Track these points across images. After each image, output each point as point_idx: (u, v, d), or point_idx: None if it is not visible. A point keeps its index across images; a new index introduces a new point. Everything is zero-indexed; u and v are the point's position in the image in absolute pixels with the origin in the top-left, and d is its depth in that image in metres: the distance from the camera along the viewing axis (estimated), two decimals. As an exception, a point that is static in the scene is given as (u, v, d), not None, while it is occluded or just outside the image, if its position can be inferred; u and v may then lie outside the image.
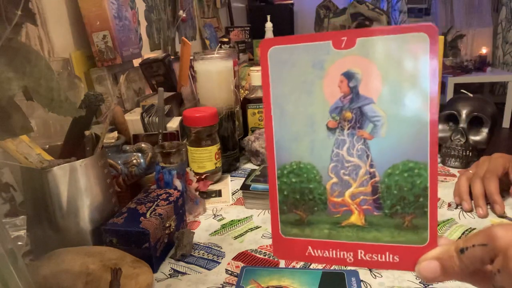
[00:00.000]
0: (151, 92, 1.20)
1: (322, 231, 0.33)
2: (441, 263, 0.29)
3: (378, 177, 0.31)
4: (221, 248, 0.61)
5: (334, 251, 0.33)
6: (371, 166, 0.31)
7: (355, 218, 0.32)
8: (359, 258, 0.32)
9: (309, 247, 0.33)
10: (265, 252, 0.59)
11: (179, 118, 0.95)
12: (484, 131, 0.84)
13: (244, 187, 0.73)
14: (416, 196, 0.31)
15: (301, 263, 0.55)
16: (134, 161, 0.72)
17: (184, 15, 1.79)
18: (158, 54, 1.43)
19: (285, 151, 0.33)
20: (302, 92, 0.32)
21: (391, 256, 0.32)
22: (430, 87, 0.29)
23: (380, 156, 0.31)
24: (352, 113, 0.31)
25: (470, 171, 0.72)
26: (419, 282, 0.50)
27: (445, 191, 0.74)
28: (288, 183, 0.33)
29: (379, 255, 0.32)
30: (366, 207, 0.32)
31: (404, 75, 0.30)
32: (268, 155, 0.33)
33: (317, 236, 0.33)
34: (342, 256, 0.33)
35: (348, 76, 0.31)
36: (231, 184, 0.84)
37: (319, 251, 0.33)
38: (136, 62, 1.21)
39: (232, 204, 0.75)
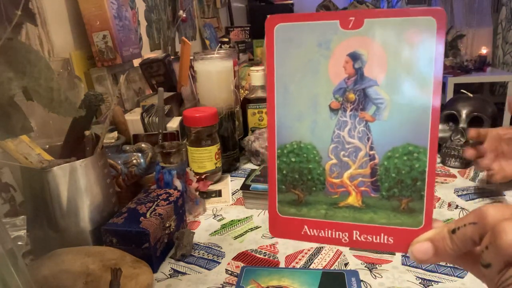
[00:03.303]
0: (151, 92, 1.20)
1: (319, 211, 0.33)
2: (434, 244, 0.29)
3: (377, 159, 0.31)
4: (221, 248, 0.61)
5: (329, 231, 0.33)
6: (371, 148, 0.31)
7: (353, 199, 0.32)
8: (354, 238, 0.32)
9: (305, 227, 0.33)
10: (265, 252, 0.59)
11: (179, 118, 0.95)
12: (484, 131, 0.84)
13: (244, 187, 0.73)
14: (413, 180, 0.31)
15: (302, 263, 0.55)
16: (134, 161, 0.72)
17: (184, 15, 1.79)
18: (158, 54, 1.43)
19: (286, 131, 0.33)
20: (307, 71, 0.32)
21: (385, 237, 0.32)
22: (435, 72, 0.29)
23: (381, 139, 0.31)
24: (355, 95, 0.31)
25: None
26: (419, 283, 0.50)
27: (445, 191, 0.74)
28: (287, 163, 0.33)
29: (374, 237, 0.32)
30: (364, 189, 0.32)
31: (409, 59, 0.30)
32: (269, 134, 0.33)
33: (314, 216, 0.33)
34: (337, 236, 0.33)
35: (354, 57, 0.31)
36: (231, 184, 0.84)
37: (315, 230, 0.33)
38: (136, 62, 1.21)
39: (232, 204, 0.75)
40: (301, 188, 0.33)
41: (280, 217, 0.34)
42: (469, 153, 0.70)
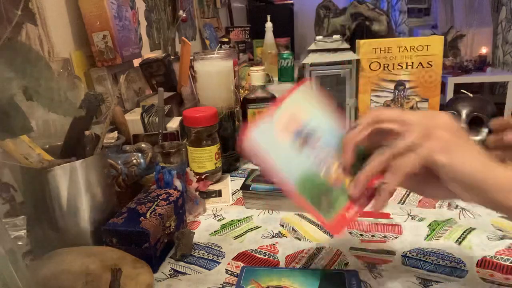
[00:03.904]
0: (151, 92, 1.20)
1: (343, 201, 0.45)
2: None
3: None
4: (221, 248, 0.61)
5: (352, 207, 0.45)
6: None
7: (347, 181, 0.45)
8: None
9: (346, 213, 0.44)
10: (265, 252, 0.59)
11: (179, 118, 0.95)
12: (484, 131, 0.84)
13: (244, 187, 0.73)
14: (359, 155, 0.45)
15: (302, 263, 0.56)
16: (134, 161, 0.72)
17: (184, 15, 1.79)
18: (158, 54, 1.43)
19: (293, 178, 0.46)
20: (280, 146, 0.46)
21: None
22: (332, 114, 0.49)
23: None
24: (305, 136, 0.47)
25: None
26: (419, 283, 0.50)
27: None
28: (307, 191, 0.45)
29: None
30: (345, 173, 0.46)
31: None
32: (284, 188, 0.45)
33: (342, 205, 0.45)
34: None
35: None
36: (231, 184, 0.84)
37: (350, 210, 0.45)
38: (136, 62, 1.21)
39: (232, 204, 0.75)
40: (325, 197, 0.45)
41: (331, 222, 0.44)
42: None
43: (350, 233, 0.62)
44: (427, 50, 0.89)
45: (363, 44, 0.90)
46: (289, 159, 0.46)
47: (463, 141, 0.40)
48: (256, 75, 0.97)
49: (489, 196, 0.38)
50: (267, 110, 0.47)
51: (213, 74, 0.87)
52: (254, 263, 0.57)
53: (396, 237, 0.60)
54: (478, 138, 0.84)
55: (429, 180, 0.42)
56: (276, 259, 0.57)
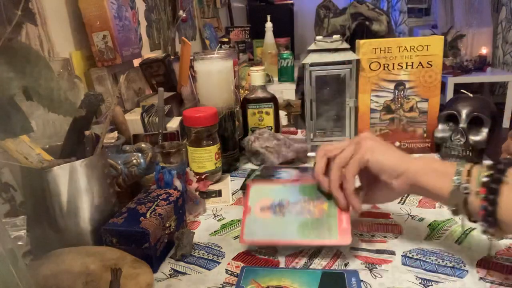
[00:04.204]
0: (151, 92, 1.20)
1: (334, 221, 0.57)
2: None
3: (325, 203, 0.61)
4: (221, 248, 0.61)
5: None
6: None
7: (326, 208, 0.59)
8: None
9: (342, 225, 0.57)
10: (265, 252, 0.59)
11: (179, 118, 0.95)
12: (484, 131, 0.84)
13: (244, 187, 0.73)
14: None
15: (302, 263, 0.56)
16: (134, 161, 0.72)
17: (184, 15, 1.79)
18: (158, 54, 1.43)
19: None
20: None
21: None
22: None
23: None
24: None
25: None
26: (419, 283, 0.50)
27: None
28: (308, 233, 0.57)
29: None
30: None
31: None
32: (295, 245, 0.59)
33: (335, 223, 0.57)
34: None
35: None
36: (231, 184, 0.84)
37: (344, 221, 0.57)
38: (136, 62, 1.21)
39: (232, 204, 0.75)
40: (321, 226, 0.58)
41: (338, 238, 0.55)
42: None
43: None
44: (427, 50, 0.89)
45: (363, 44, 0.90)
46: (280, 226, 0.57)
47: (383, 144, 0.56)
48: (256, 75, 0.97)
49: (413, 180, 0.52)
50: (243, 213, 0.60)
51: (213, 74, 0.87)
52: (254, 263, 0.57)
53: (396, 237, 0.60)
54: (478, 138, 0.84)
55: (380, 187, 0.56)
56: (276, 259, 0.57)
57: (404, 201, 0.71)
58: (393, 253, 0.57)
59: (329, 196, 0.59)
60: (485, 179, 0.47)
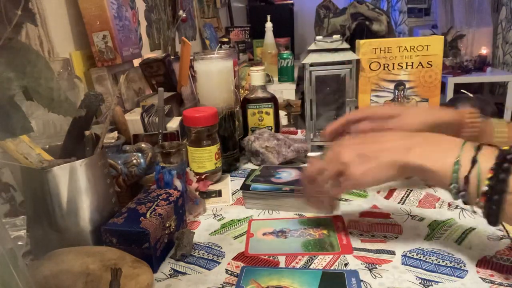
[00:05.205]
0: (151, 92, 1.20)
1: (334, 237, 0.62)
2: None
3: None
4: (221, 248, 0.61)
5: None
6: None
7: (326, 232, 0.64)
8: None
9: (343, 239, 0.61)
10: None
11: (179, 118, 0.95)
12: (484, 131, 0.84)
13: (244, 187, 0.73)
14: None
15: (301, 263, 0.56)
16: (134, 161, 0.72)
17: (184, 15, 1.79)
18: (158, 54, 1.43)
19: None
20: None
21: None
22: None
23: None
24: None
25: None
26: (419, 283, 0.50)
27: (445, 191, 0.74)
28: (311, 249, 0.59)
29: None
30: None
31: None
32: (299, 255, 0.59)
33: (336, 239, 0.62)
34: None
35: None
36: (231, 184, 0.84)
37: (343, 238, 0.62)
38: (136, 62, 1.21)
39: (232, 204, 0.75)
40: (324, 244, 0.61)
41: (341, 251, 0.58)
42: None
43: (351, 233, 0.62)
44: (427, 50, 0.90)
45: (363, 44, 0.90)
46: (284, 244, 0.61)
47: (363, 155, 0.55)
48: (256, 75, 0.97)
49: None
50: (246, 237, 0.63)
51: (213, 74, 0.87)
52: (254, 263, 0.57)
53: (396, 237, 0.60)
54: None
55: None
56: (276, 259, 0.57)
57: (404, 201, 0.71)
58: (393, 253, 0.57)
59: (329, 226, 0.64)
60: (485, 188, 0.44)
